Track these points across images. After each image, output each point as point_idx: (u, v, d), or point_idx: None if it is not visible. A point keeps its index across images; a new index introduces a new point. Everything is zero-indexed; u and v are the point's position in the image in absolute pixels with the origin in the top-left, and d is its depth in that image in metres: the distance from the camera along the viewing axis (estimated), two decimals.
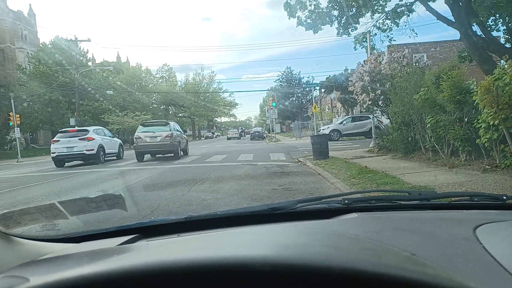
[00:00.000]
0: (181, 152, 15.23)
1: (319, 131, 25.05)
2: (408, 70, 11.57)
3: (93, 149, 13.91)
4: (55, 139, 14.67)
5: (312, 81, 46.93)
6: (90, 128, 15.35)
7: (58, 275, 0.58)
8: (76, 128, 17.89)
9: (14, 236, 0.98)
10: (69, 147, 13.91)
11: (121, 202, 1.73)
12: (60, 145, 14.09)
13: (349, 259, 0.58)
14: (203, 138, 64.40)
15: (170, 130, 14.28)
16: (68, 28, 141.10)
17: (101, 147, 14.31)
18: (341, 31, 13.56)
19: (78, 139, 14.00)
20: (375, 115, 15.49)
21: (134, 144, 14.23)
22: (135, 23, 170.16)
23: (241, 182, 7.60)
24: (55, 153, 14.19)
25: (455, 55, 16.00)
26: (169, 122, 15.60)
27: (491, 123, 6.18)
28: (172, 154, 14.32)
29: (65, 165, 14.42)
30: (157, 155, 14.80)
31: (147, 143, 13.79)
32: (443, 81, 7.90)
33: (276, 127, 45.92)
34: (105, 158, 14.80)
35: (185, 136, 17.34)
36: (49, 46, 39.17)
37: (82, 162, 14.50)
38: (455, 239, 0.88)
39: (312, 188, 6.58)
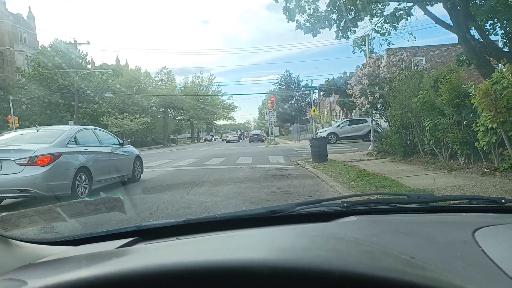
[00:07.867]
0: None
1: (317, 134, 25.09)
2: (407, 73, 11.61)
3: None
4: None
5: (311, 84, 47.05)
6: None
7: (56, 278, 0.58)
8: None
9: (12, 239, 0.97)
10: None
11: (120, 204, 1.72)
12: None
13: (348, 262, 0.58)
14: (202, 141, 64.81)
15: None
16: (68, 31, 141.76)
17: None
18: (340, 34, 13.57)
19: None
20: (373, 118, 15.52)
21: None
22: (135, 26, 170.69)
23: (240, 185, 7.59)
24: None
25: (453, 59, 16.06)
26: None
27: (490, 126, 6.19)
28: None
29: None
30: None
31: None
32: (441, 85, 7.92)
33: (275, 130, 45.97)
34: None
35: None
36: (48, 48, 39.16)
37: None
38: (454, 242, 0.88)
39: (311, 191, 6.57)
